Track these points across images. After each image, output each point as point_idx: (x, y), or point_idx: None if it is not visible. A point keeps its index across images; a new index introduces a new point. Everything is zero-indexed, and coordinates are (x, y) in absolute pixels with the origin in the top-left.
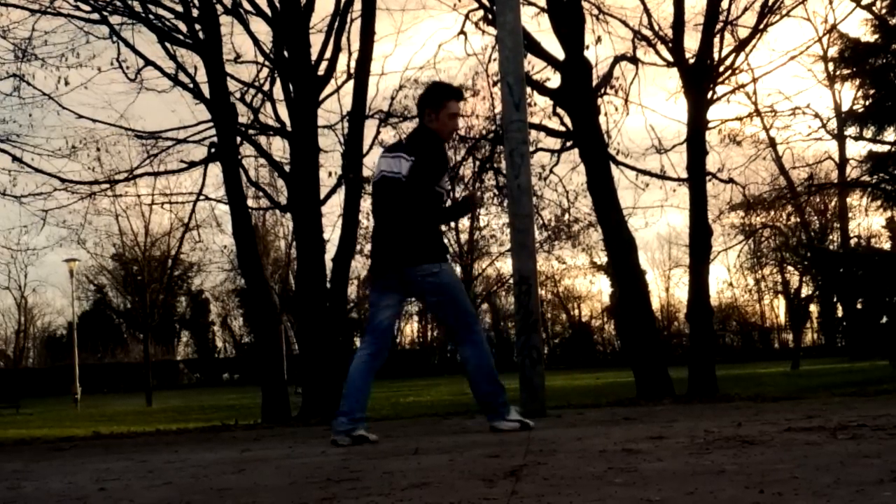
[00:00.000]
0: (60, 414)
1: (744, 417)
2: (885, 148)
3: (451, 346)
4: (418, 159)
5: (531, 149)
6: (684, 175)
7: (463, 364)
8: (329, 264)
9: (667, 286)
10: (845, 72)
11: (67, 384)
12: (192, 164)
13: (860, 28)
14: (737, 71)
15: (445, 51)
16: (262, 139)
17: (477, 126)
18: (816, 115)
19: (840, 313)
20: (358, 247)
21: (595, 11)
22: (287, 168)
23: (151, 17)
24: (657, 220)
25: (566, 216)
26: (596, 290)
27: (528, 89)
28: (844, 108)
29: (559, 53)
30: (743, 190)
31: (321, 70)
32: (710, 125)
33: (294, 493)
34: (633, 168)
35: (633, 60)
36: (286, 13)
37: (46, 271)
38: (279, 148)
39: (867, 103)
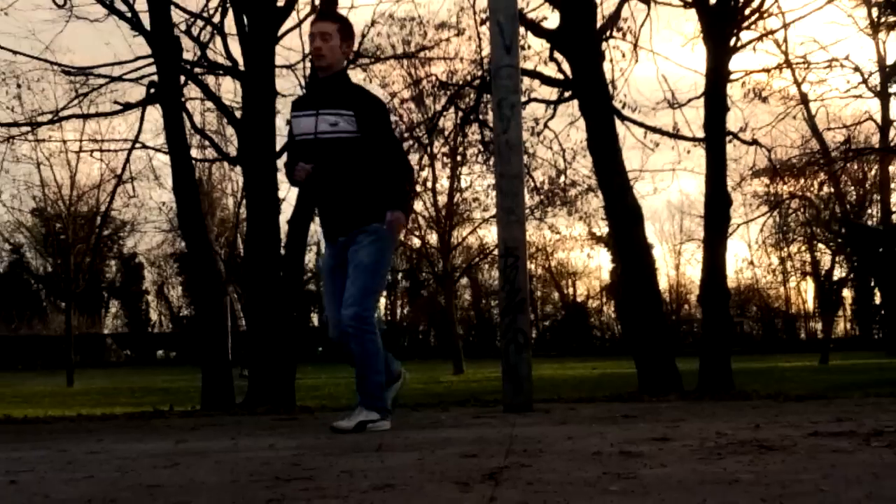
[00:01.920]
0: None
1: (763, 419)
2: None
3: (423, 326)
4: None
5: (523, 99)
6: (701, 134)
7: None
8: (284, 227)
9: (677, 263)
10: (891, 19)
11: None
12: (127, 106)
13: None
14: (765, 14)
15: None
16: (210, 79)
17: (461, 71)
18: (856, 69)
19: (878, 300)
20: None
21: None
22: (238, 114)
23: None
24: (668, 185)
25: (562, 178)
26: (594, 265)
27: (522, 29)
28: (889, 60)
29: None
30: (768, 153)
31: (281, 0)
32: (732, 77)
33: (236, 492)
34: (641, 125)
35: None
36: None
37: None
38: (229, 90)
39: None
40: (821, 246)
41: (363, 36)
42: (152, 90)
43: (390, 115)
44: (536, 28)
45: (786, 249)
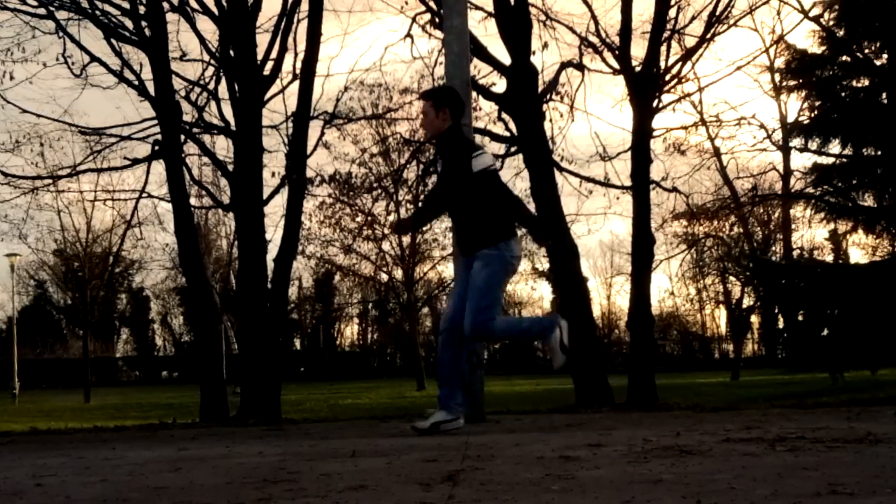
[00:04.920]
0: None
1: (682, 427)
2: (830, 160)
3: (390, 349)
4: None
5: None
6: (628, 183)
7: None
8: (270, 264)
9: (608, 294)
10: (791, 83)
11: (6, 379)
12: (135, 162)
13: (807, 39)
14: (683, 80)
15: (392, 53)
16: (207, 138)
17: (421, 130)
18: (762, 126)
19: (781, 325)
20: (300, 247)
21: (542, 17)
22: (230, 167)
23: (98, 13)
24: (600, 227)
25: None
26: (537, 296)
27: (474, 94)
28: (790, 119)
29: (505, 58)
30: (686, 199)
31: (267, 70)
32: (654, 133)
33: (230, 492)
34: (576, 175)
35: (580, 67)
36: (233, 12)
37: None
38: (223, 147)
39: (813, 115)
40: (732, 278)
41: (337, 100)
42: (156, 147)
43: (452, 144)
44: (487, 93)
45: (702, 281)
